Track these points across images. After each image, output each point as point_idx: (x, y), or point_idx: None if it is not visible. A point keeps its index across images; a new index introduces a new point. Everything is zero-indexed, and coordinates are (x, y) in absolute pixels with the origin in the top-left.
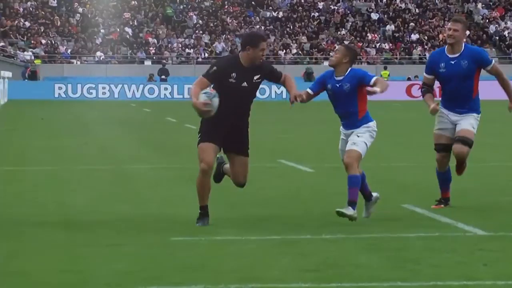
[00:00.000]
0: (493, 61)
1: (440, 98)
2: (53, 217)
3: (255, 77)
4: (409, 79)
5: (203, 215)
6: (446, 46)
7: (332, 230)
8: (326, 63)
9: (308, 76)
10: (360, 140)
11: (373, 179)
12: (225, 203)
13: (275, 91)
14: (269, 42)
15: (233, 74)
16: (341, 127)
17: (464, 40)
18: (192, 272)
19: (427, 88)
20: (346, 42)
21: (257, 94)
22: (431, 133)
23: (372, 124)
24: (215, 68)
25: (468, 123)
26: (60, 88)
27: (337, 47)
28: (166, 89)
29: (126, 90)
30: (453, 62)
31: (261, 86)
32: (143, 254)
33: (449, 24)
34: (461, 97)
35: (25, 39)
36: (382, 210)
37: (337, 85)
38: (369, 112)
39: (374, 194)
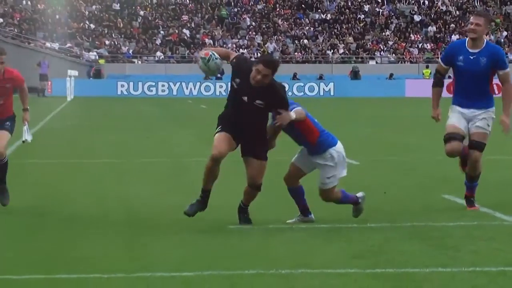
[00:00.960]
0: (508, 68)
1: (453, 93)
2: (116, 206)
3: (257, 101)
4: (449, 77)
5: (200, 201)
6: (467, 40)
7: (377, 219)
8: (371, 62)
9: (354, 74)
10: (332, 181)
11: (417, 172)
12: (277, 195)
13: (323, 89)
14: (318, 42)
15: (238, 80)
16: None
17: (487, 36)
18: (246, 259)
19: (438, 79)
20: (390, 43)
21: (306, 91)
22: None
23: (334, 153)
24: (235, 61)
25: (482, 123)
26: (122, 85)
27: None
28: (221, 86)
29: (184, 88)
30: (472, 58)
31: (309, 83)
32: (199, 242)
33: (471, 18)
34: (474, 94)
35: (90, 40)
36: (425, 200)
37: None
38: (332, 134)
39: (311, 216)
